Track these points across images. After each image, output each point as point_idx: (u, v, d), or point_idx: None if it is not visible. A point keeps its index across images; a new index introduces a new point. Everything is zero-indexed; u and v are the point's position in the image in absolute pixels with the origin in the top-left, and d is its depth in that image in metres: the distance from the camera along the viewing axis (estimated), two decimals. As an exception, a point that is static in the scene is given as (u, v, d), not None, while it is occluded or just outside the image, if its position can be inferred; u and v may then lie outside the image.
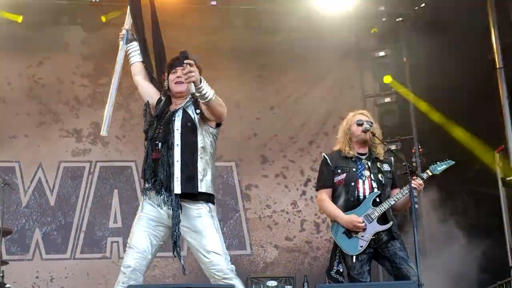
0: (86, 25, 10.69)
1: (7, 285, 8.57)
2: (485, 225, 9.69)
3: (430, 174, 6.29)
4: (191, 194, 5.27)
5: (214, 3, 10.65)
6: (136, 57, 5.89)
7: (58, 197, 10.77)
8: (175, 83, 5.48)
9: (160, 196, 5.23)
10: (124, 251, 5.44)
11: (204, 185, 5.31)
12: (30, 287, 10.33)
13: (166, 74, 5.62)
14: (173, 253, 5.24)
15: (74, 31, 11.01)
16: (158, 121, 5.44)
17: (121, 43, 5.98)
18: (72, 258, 10.62)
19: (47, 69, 11.07)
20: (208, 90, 5.21)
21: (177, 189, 5.21)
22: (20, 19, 10.51)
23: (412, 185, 5.99)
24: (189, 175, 5.26)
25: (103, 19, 10.60)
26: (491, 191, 9.77)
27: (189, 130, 5.34)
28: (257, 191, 11.43)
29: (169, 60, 5.71)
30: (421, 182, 6.15)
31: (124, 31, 5.95)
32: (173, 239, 5.20)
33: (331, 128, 11.56)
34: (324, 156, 6.44)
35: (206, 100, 5.22)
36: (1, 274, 8.41)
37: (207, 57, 11.27)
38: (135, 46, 5.92)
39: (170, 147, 5.27)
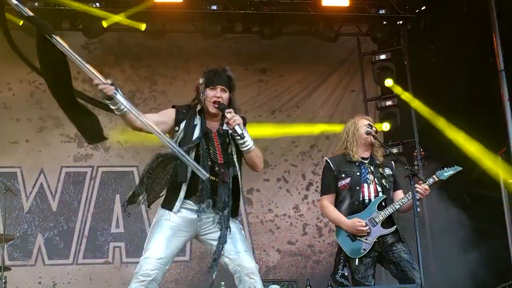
0: (86, 30, 10.68)
1: (10, 291, 8.58)
2: (488, 228, 9.67)
3: (436, 179, 6.29)
4: None
5: (214, 7, 10.64)
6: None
7: (60, 202, 10.78)
8: (213, 102, 5.25)
9: (214, 214, 5.21)
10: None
11: None
12: (32, 292, 10.35)
13: (200, 83, 5.36)
14: (211, 269, 5.21)
15: (75, 37, 11.00)
16: (205, 139, 5.24)
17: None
18: (75, 263, 10.62)
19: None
20: (249, 139, 5.20)
21: (233, 213, 5.27)
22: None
23: (418, 190, 6.04)
24: (239, 197, 5.38)
25: (104, 24, 10.61)
26: (493, 193, 9.76)
27: (239, 155, 5.32)
28: (259, 195, 11.43)
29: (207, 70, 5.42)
30: (427, 187, 6.16)
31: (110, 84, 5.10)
32: (215, 256, 5.17)
33: (332, 131, 11.59)
34: (326, 160, 6.43)
35: (246, 149, 5.21)
36: (3, 280, 8.40)
37: (208, 62, 11.34)
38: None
39: (231, 171, 5.25)
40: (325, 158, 6.52)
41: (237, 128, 5.10)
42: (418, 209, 5.91)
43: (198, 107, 5.34)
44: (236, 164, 5.28)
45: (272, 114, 11.68)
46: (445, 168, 6.34)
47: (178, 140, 5.23)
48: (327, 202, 6.30)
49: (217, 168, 5.20)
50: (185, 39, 11.48)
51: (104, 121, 10.91)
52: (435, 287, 10.13)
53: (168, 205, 5.20)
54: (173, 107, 5.39)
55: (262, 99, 11.70)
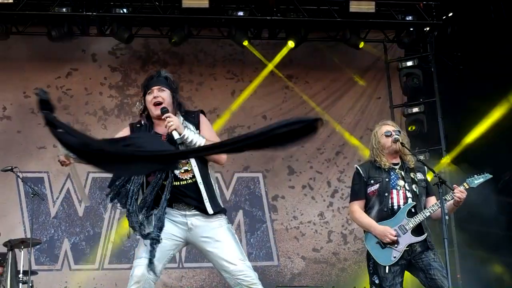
0: (113, 36, 10.75)
1: (36, 295, 8.64)
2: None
3: (467, 187, 6.23)
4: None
5: (241, 13, 10.65)
6: None
7: (86, 207, 10.82)
8: (154, 104, 5.23)
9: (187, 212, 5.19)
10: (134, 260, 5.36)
11: (220, 200, 5.32)
12: (58, 297, 10.40)
13: (141, 95, 5.36)
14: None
15: (102, 42, 11.10)
16: None
17: None
18: (101, 269, 10.66)
19: (75, 80, 11.16)
20: (193, 137, 5.13)
21: (210, 210, 5.16)
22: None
23: (456, 194, 6.02)
24: (213, 196, 5.22)
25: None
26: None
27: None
28: (284, 202, 11.41)
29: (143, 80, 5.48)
30: (462, 190, 6.11)
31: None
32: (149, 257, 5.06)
33: (358, 138, 11.56)
34: (356, 167, 6.39)
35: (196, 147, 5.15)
36: (30, 284, 8.47)
37: (235, 68, 11.38)
38: None
39: (186, 170, 5.15)
40: (355, 165, 6.48)
41: (174, 133, 5.06)
42: (447, 217, 5.87)
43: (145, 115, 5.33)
44: (192, 164, 5.16)
45: (297, 121, 11.63)
46: (475, 176, 6.28)
47: None
48: (357, 207, 6.26)
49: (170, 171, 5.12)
50: (211, 45, 11.52)
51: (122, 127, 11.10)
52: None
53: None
54: (130, 124, 5.39)
55: (287, 106, 11.69)
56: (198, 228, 5.15)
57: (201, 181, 5.15)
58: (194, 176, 5.16)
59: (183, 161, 5.12)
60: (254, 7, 10.69)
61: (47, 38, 10.54)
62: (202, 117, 5.36)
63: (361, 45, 11.19)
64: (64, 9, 10.25)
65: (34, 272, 8.84)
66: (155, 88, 5.25)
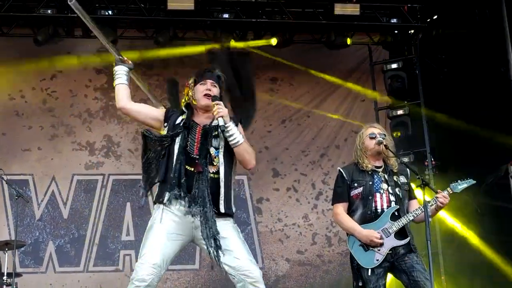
0: (99, 38, 10.70)
1: (20, 298, 8.61)
2: (499, 238, 9.65)
3: (451, 192, 6.28)
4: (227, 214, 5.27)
5: (226, 16, 10.65)
6: (125, 79, 5.59)
7: (71, 210, 10.81)
8: (204, 95, 5.35)
9: (195, 208, 5.17)
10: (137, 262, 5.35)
11: (234, 206, 5.35)
12: (43, 299, 10.38)
13: (189, 82, 5.47)
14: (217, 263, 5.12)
15: (87, 45, 11.07)
16: (187, 132, 5.27)
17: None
18: (85, 271, 10.64)
19: (60, 82, 11.13)
20: (236, 133, 5.24)
21: (222, 208, 5.19)
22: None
23: (439, 199, 6.08)
24: (228, 197, 5.25)
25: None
26: (504, 203, 9.73)
27: (229, 152, 5.30)
28: (269, 204, 11.43)
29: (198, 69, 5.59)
30: (446, 195, 6.16)
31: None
32: (211, 252, 5.11)
33: (342, 141, 11.60)
34: (339, 170, 6.41)
35: (233, 142, 5.24)
36: (15, 287, 8.44)
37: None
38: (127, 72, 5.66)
39: (211, 163, 5.21)
40: (338, 168, 6.50)
41: (220, 120, 5.16)
42: (430, 219, 5.90)
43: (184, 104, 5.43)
44: (220, 160, 5.23)
45: (282, 123, 11.68)
46: (459, 181, 6.32)
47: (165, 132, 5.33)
48: (341, 209, 6.28)
49: (192, 160, 5.20)
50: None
51: (115, 128, 11.09)
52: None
53: (163, 203, 5.20)
54: (166, 109, 5.52)
55: (272, 108, 11.70)
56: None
57: (223, 179, 5.22)
58: (218, 172, 5.22)
59: (213, 154, 5.22)
60: (240, 9, 10.70)
61: (32, 40, 10.51)
62: (239, 125, 5.42)
63: (349, 41, 11.16)
64: (49, 11, 10.22)
65: (18, 275, 8.81)
66: (209, 81, 5.38)
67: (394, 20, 11.13)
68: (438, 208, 6.21)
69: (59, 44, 10.89)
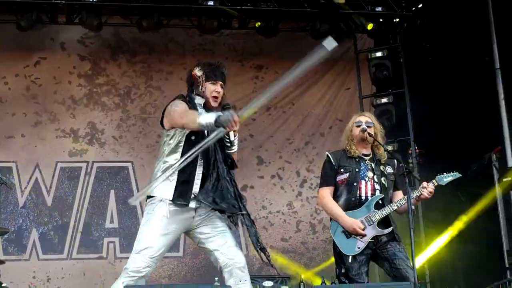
0: (82, 24, 10.65)
1: (3, 285, 8.57)
2: (482, 226, 9.70)
3: (436, 184, 6.31)
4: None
5: (211, 3, 10.61)
6: None
7: (55, 197, 10.76)
8: (213, 96, 5.36)
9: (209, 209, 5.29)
10: (120, 251, 5.40)
11: None
12: (27, 287, 10.33)
13: (199, 75, 5.43)
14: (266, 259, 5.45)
15: (71, 31, 11.00)
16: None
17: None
18: (69, 258, 10.61)
19: (44, 69, 11.07)
20: (236, 143, 5.36)
21: (243, 209, 5.39)
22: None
23: (423, 193, 6.15)
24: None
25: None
26: (487, 192, 9.79)
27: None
28: (253, 192, 11.42)
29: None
30: (432, 190, 6.20)
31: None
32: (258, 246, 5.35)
33: (327, 128, 11.61)
34: (327, 155, 6.46)
35: (231, 150, 5.38)
36: (-2, 274, 8.41)
37: (204, 57, 11.33)
38: None
39: (226, 164, 5.35)
40: (326, 152, 6.54)
41: (231, 134, 5.22)
42: (413, 207, 5.95)
43: (198, 100, 5.39)
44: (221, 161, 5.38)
45: (267, 111, 11.66)
46: (445, 174, 6.36)
47: (188, 132, 5.30)
48: (327, 193, 6.32)
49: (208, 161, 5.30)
50: (182, 34, 11.47)
51: (99, 115, 11.05)
52: (428, 287, 10.17)
53: (182, 198, 5.24)
54: (178, 98, 5.43)
55: (257, 95, 11.65)
56: (200, 217, 5.31)
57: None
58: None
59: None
60: (225, -3, 10.67)
61: (16, 27, 10.44)
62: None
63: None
64: (31, -3, 10.16)
65: (1, 262, 8.77)
66: (220, 82, 5.40)
67: (379, 9, 11.12)
68: (420, 199, 6.27)
69: (43, 30, 10.80)
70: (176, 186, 5.25)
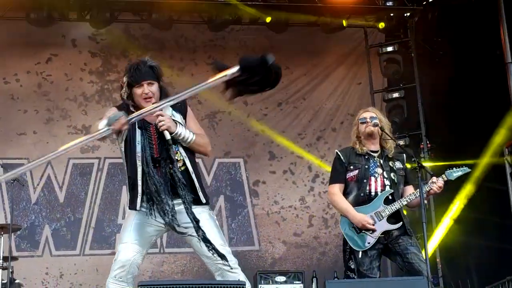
0: (93, 21, 10.68)
1: (16, 281, 8.62)
2: (494, 220, 9.67)
3: (446, 179, 6.31)
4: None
5: (221, -1, 10.62)
6: None
7: (67, 193, 10.80)
8: (144, 99, 5.18)
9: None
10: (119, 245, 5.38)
11: (205, 190, 5.36)
12: (39, 283, 10.37)
13: (124, 81, 5.29)
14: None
15: (82, 28, 11.02)
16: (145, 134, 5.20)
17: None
18: (82, 254, 10.66)
19: (56, 65, 11.09)
20: (185, 133, 5.17)
21: (203, 199, 5.22)
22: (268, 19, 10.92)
23: (433, 187, 6.16)
24: (202, 184, 5.29)
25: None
26: (500, 186, 9.76)
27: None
28: (265, 187, 11.44)
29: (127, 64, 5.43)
30: (441, 184, 6.20)
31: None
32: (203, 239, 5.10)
33: (338, 123, 11.61)
34: (337, 152, 6.49)
35: (187, 143, 5.20)
36: (11, 270, 8.45)
37: (215, 53, 11.35)
38: None
39: (174, 160, 5.15)
40: (336, 150, 6.56)
41: (165, 133, 5.08)
42: (425, 201, 5.95)
43: (131, 107, 5.24)
44: (182, 154, 5.21)
45: (278, 106, 11.67)
46: (454, 169, 6.38)
47: (124, 139, 5.24)
48: (337, 190, 6.33)
49: (157, 163, 5.17)
50: (192, 30, 11.48)
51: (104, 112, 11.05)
52: (441, 281, 10.15)
53: (131, 204, 5.21)
54: (116, 107, 5.34)
55: (268, 91, 11.64)
56: (180, 215, 5.15)
57: (193, 171, 5.21)
58: (184, 165, 5.20)
59: (174, 150, 5.15)
60: (235, -8, 10.66)
61: (27, 24, 10.46)
62: (190, 111, 5.38)
63: (344, 23, 11.14)
64: (43, -6, 10.19)
65: (14, 258, 8.82)
66: (144, 82, 5.20)
67: (390, 3, 11.10)
68: (430, 194, 6.28)
69: (54, 27, 10.82)
70: None
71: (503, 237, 9.53)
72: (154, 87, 5.23)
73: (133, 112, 5.10)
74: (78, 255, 10.65)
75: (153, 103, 5.09)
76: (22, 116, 10.86)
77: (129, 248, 5.14)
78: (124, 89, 5.28)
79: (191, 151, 5.28)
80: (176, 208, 5.12)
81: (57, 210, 10.74)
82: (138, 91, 5.20)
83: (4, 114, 10.78)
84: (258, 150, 11.45)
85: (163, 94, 5.26)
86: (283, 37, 11.36)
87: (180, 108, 5.32)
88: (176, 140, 5.17)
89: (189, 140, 5.19)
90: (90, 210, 10.82)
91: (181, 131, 5.16)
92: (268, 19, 10.94)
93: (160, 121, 5.07)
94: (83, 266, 10.61)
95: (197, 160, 5.43)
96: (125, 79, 5.29)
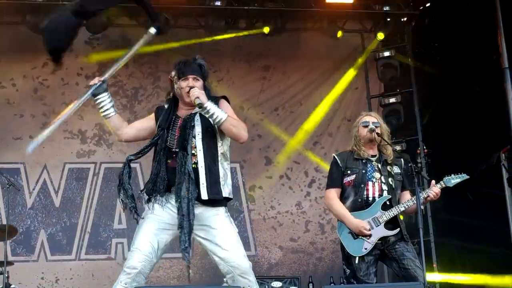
0: (90, 25, 10.66)
1: (12, 286, 8.59)
2: (490, 226, 9.66)
3: (443, 185, 6.30)
4: (214, 200, 5.23)
5: (218, 3, 10.61)
6: (111, 110, 5.80)
7: (63, 198, 10.78)
8: (188, 92, 5.32)
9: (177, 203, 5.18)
10: (129, 252, 5.39)
11: (227, 190, 5.31)
12: (35, 288, 10.36)
13: (172, 76, 5.49)
14: (184, 258, 5.17)
15: (78, 32, 10.97)
16: (167, 129, 5.33)
17: (89, 92, 5.74)
18: (77, 259, 10.64)
19: (52, 70, 11.06)
20: (216, 110, 5.22)
21: (204, 195, 5.18)
22: (267, 30, 10.94)
23: (430, 194, 6.16)
24: (213, 181, 5.23)
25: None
26: (496, 191, 9.75)
27: (210, 136, 5.30)
28: (261, 192, 11.43)
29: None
30: (438, 191, 6.20)
31: (97, 82, 5.76)
32: (181, 247, 5.12)
33: (335, 128, 11.59)
34: (334, 156, 6.47)
35: (217, 121, 5.24)
36: (6, 275, 8.43)
37: (211, 58, 11.33)
38: (107, 98, 5.74)
39: (190, 153, 5.19)
40: (333, 154, 6.54)
41: (196, 100, 5.18)
42: (422, 207, 5.93)
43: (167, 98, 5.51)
44: (198, 147, 5.23)
45: (275, 111, 11.67)
46: (452, 175, 6.36)
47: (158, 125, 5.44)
48: (334, 194, 6.31)
49: (174, 154, 5.24)
50: (189, 35, 11.47)
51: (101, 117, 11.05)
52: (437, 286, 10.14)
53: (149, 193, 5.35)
54: (156, 108, 5.61)
55: (265, 96, 11.68)
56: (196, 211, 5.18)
57: (203, 165, 5.20)
58: (197, 160, 5.24)
59: (193, 144, 5.23)
60: (231, -3, 10.66)
61: (23, 28, 10.45)
62: (222, 101, 5.44)
63: (339, 34, 11.20)
64: (39, -1, 10.17)
65: (10, 263, 8.80)
66: (191, 76, 5.36)
67: (387, 8, 11.12)
68: (427, 200, 6.28)
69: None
70: None
71: (499, 243, 9.52)
72: (199, 84, 5.37)
73: (178, 107, 5.42)
74: (73, 260, 10.63)
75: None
76: (18, 121, 10.84)
77: (137, 256, 5.15)
78: (174, 81, 5.47)
79: (212, 146, 5.30)
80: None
81: (53, 215, 10.72)
82: (183, 83, 5.38)
83: (0, 119, 10.75)
84: (255, 155, 11.44)
85: (207, 94, 5.36)
86: (279, 42, 11.36)
87: (215, 103, 5.34)
88: (195, 134, 5.24)
89: (220, 118, 5.23)
90: (86, 215, 10.80)
91: (211, 106, 5.23)
92: (267, 30, 10.94)
93: (193, 91, 5.22)
94: (79, 271, 10.58)
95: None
96: (173, 73, 5.49)
